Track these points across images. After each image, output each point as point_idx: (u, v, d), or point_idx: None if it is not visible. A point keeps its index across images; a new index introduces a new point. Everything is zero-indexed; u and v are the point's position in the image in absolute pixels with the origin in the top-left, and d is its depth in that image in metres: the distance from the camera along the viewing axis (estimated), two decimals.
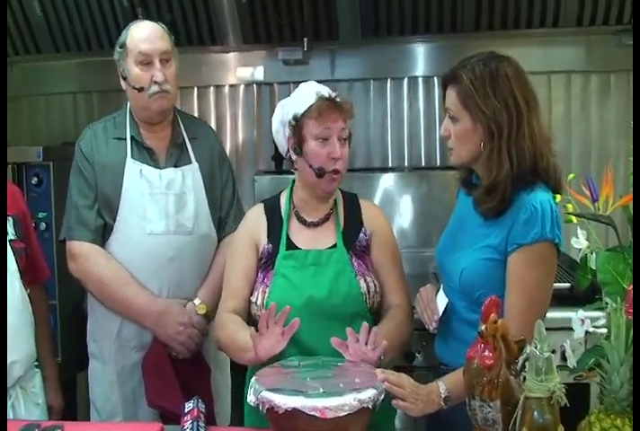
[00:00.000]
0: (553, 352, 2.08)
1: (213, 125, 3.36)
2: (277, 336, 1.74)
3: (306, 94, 1.90)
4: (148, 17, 2.59)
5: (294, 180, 2.02)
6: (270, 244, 1.95)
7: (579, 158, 3.18)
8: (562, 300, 1.99)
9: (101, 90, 3.37)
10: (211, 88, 3.39)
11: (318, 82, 1.99)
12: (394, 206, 3.19)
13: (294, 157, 1.93)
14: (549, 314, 1.76)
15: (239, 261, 1.97)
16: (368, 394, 1.49)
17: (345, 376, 1.59)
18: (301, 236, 1.96)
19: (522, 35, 2.99)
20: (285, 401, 1.45)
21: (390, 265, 1.99)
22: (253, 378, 1.60)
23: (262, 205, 2.05)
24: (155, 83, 2.14)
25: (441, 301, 1.85)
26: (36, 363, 2.10)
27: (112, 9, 3.04)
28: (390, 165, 3.34)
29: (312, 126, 1.87)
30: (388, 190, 3.20)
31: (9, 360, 1.92)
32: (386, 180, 3.21)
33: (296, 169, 1.96)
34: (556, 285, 1.86)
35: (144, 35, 2.16)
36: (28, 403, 2.04)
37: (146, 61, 2.15)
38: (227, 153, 3.31)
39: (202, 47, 3.17)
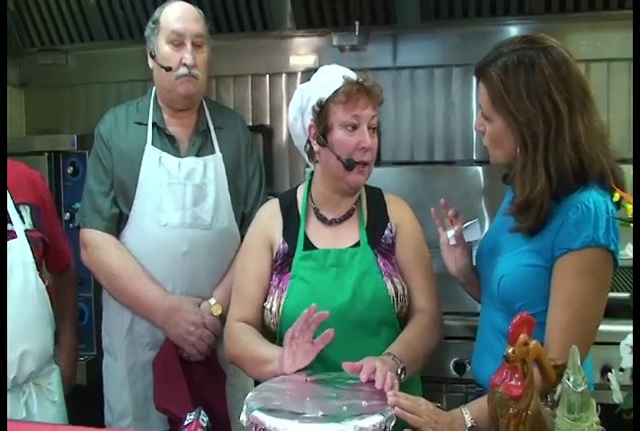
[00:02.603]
0: (612, 370, 1.87)
1: (267, 114, 3.24)
2: (306, 346, 1.58)
3: (332, 78, 1.73)
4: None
5: (312, 173, 1.85)
6: (285, 244, 1.79)
7: None
8: (622, 311, 1.74)
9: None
10: (266, 76, 3.25)
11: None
12: (457, 200, 2.93)
13: (316, 148, 1.77)
14: (608, 327, 1.56)
15: (251, 265, 1.81)
16: (373, 421, 1.30)
17: (352, 398, 1.40)
18: (320, 235, 1.80)
19: (582, 19, 2.67)
20: (276, 425, 1.28)
21: (415, 263, 1.80)
22: (250, 394, 1.44)
23: (276, 201, 1.89)
24: (184, 65, 2.03)
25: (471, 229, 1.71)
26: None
27: None
28: (455, 158, 3.10)
29: (339, 112, 1.71)
30: (453, 184, 2.96)
31: (21, 350, 1.86)
32: (451, 174, 2.99)
33: (317, 161, 1.79)
34: (615, 294, 1.62)
35: (178, 14, 2.07)
36: (43, 401, 1.97)
37: (177, 41, 2.05)
38: (282, 143, 3.24)
39: (255, 33, 3.03)
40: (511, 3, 2.67)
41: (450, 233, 1.73)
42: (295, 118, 1.81)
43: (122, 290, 2.09)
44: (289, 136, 3.21)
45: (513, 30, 2.91)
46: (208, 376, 2.08)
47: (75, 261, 2.39)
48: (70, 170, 2.74)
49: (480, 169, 2.99)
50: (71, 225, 2.70)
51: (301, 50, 3.17)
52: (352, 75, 1.74)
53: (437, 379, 1.97)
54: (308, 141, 1.80)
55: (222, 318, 2.06)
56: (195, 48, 2.06)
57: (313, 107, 1.74)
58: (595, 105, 1.54)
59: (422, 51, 3.06)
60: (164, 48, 2.07)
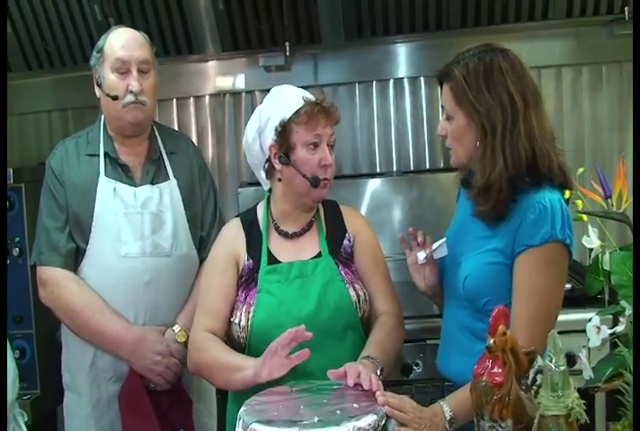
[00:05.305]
0: (582, 350, 1.99)
1: (194, 136, 3.25)
2: (283, 359, 1.61)
3: (290, 98, 1.79)
4: None
5: (270, 190, 1.90)
6: (250, 260, 1.83)
7: (572, 154, 3.00)
8: (562, 302, 1.88)
9: (76, 107, 3.26)
10: (191, 99, 3.27)
11: (301, 87, 1.88)
12: (384, 212, 3.09)
13: (278, 167, 1.81)
14: (566, 317, 1.66)
15: (217, 280, 1.84)
16: (368, 421, 1.37)
17: (342, 402, 1.46)
18: (283, 249, 1.85)
19: (510, 30, 2.87)
20: None
21: (374, 269, 1.88)
22: (242, 408, 1.47)
23: (238, 219, 1.92)
24: (131, 92, 2.03)
25: (440, 248, 1.76)
26: None
27: (85, 23, 2.92)
28: (378, 170, 3.23)
29: (302, 132, 1.76)
30: (377, 196, 3.10)
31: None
32: (375, 186, 3.10)
33: (279, 179, 1.84)
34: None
35: (122, 41, 2.06)
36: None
37: (122, 69, 2.04)
38: (209, 165, 3.23)
39: (180, 57, 3.04)
40: (429, 18, 2.82)
41: (421, 254, 1.78)
42: (253, 138, 1.84)
43: (85, 326, 2.06)
44: (218, 159, 3.30)
45: (430, 45, 3.07)
46: (175, 404, 2.07)
47: (13, 298, 2.33)
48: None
49: (401, 179, 3.12)
50: None
51: (226, 72, 3.21)
52: (311, 96, 1.80)
53: (383, 383, 2.04)
54: (267, 160, 1.84)
55: (187, 344, 2.04)
56: (141, 75, 2.05)
57: (275, 127, 1.78)
58: (546, 111, 1.67)
59: (343, 68, 3.18)
60: (109, 77, 2.05)
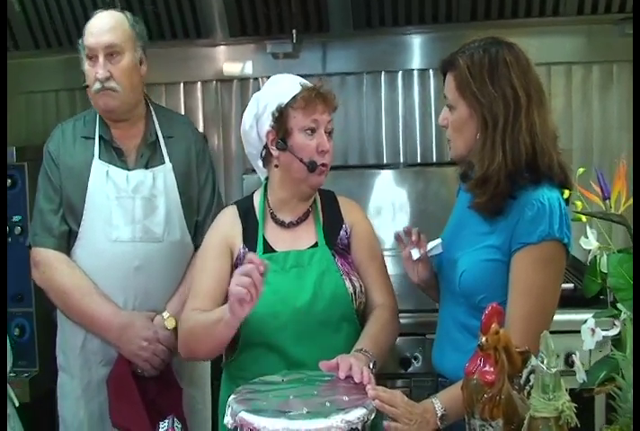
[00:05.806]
0: (576, 353, 1.99)
1: (200, 121, 3.25)
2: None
3: (289, 84, 1.79)
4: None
5: (267, 178, 1.90)
6: (246, 248, 1.82)
7: (580, 153, 3.05)
8: (564, 301, 1.88)
9: (84, 87, 3.24)
10: (198, 84, 3.26)
11: (309, 76, 1.89)
12: (389, 204, 3.08)
13: (275, 153, 1.80)
14: (564, 317, 1.66)
15: (211, 265, 1.82)
16: (357, 414, 1.36)
17: (332, 394, 1.46)
18: (279, 238, 1.84)
19: (520, 24, 2.84)
20: (265, 424, 1.32)
21: (370, 261, 1.88)
22: (231, 397, 1.46)
23: (234, 206, 1.91)
24: (98, 80, 2.01)
25: (435, 248, 1.75)
26: None
27: (94, 2, 2.90)
28: (385, 162, 3.22)
29: (299, 117, 1.76)
30: (383, 188, 3.08)
31: None
32: (381, 178, 3.09)
33: (276, 166, 1.83)
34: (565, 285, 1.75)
35: (91, 28, 2.05)
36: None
37: (92, 56, 2.03)
38: (215, 151, 3.24)
39: (188, 40, 3.03)
40: (439, 10, 2.80)
41: (415, 252, 1.77)
42: (250, 125, 1.84)
43: (74, 308, 2.06)
44: (224, 144, 3.28)
45: (439, 37, 3.04)
46: (162, 390, 2.07)
47: (14, 276, 2.34)
48: (8, 182, 2.64)
49: (407, 172, 3.10)
50: None
51: (233, 58, 3.19)
52: (308, 83, 1.80)
53: (381, 376, 2.05)
54: (264, 147, 1.84)
55: (176, 331, 2.03)
56: (110, 59, 2.02)
57: (272, 112, 1.78)
58: (550, 110, 1.66)
59: (351, 58, 3.16)
60: (85, 65, 2.06)
